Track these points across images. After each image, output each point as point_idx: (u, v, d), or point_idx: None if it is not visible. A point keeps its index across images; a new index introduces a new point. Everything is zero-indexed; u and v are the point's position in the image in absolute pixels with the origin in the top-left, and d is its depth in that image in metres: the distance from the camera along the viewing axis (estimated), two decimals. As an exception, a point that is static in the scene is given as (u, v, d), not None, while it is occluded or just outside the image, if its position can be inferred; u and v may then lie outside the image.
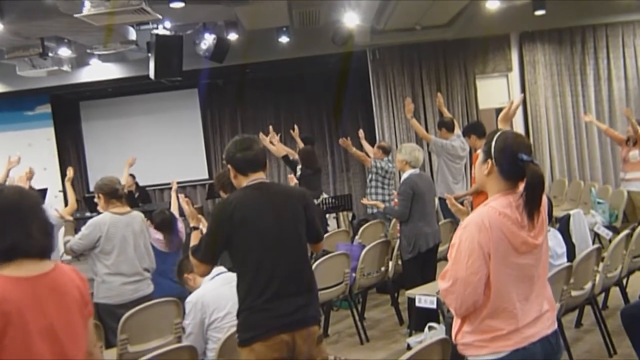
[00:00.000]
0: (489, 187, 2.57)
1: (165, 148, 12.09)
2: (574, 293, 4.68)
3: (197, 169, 12.23)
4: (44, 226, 2.26)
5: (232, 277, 3.61)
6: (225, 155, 3.26)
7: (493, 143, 2.53)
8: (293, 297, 3.06)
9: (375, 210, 7.74)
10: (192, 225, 3.34)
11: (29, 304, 2.15)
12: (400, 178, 6.08)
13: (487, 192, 2.58)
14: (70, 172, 6.54)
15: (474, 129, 6.78)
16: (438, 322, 5.09)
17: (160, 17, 6.61)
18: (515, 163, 2.47)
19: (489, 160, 2.53)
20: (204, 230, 3.36)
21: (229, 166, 3.23)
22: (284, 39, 9.18)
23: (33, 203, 2.28)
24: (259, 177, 3.19)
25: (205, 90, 12.05)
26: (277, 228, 3.10)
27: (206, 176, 12.26)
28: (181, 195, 3.75)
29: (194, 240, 3.24)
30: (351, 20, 8.17)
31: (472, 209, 3.68)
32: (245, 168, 3.18)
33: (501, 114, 2.99)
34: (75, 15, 6.02)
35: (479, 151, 2.64)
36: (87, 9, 5.72)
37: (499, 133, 2.57)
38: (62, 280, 2.27)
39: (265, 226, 3.07)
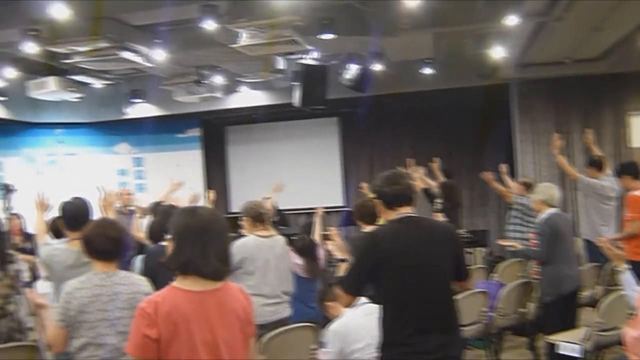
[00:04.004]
0: None
1: (304, 174, 12.39)
2: None
3: (333, 196, 12.39)
4: (223, 252, 2.45)
5: (374, 308, 3.62)
6: (373, 189, 3.30)
7: None
8: (436, 334, 3.03)
9: (513, 249, 7.48)
10: (339, 257, 3.39)
11: (197, 317, 2.32)
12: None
13: None
14: (212, 194, 6.91)
15: (628, 169, 6.42)
16: (581, 372, 4.82)
17: (310, 47, 6.84)
18: None
19: None
20: None
21: (377, 201, 3.26)
22: (427, 71, 9.17)
23: (220, 228, 2.46)
24: (406, 211, 3.20)
25: (345, 119, 12.29)
26: (423, 263, 3.08)
27: (341, 203, 12.41)
28: (332, 228, 3.82)
29: (342, 271, 3.29)
30: (497, 52, 8.04)
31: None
32: (392, 202, 3.20)
33: None
34: (232, 46, 6.37)
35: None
36: (244, 39, 6.03)
37: None
38: (228, 298, 2.43)
39: (411, 260, 3.06)
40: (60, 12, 5.81)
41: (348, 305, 3.27)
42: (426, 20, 6.90)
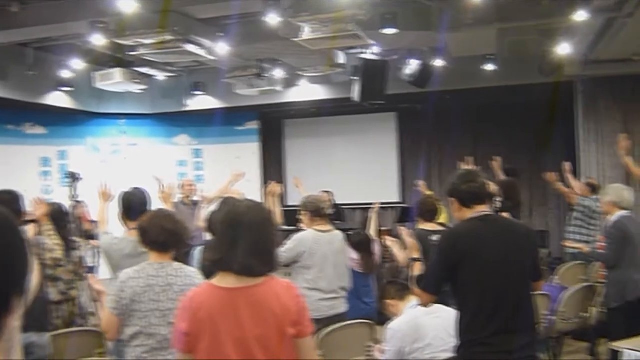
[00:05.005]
0: None
1: (360, 169, 12.38)
2: None
3: (390, 192, 12.32)
4: (257, 247, 2.33)
5: (435, 307, 3.58)
6: (449, 188, 3.25)
7: None
8: (516, 334, 2.98)
9: (576, 252, 7.28)
10: (413, 256, 3.35)
11: (225, 314, 2.27)
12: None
13: None
14: (278, 188, 6.89)
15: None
16: (646, 381, 4.65)
17: (371, 42, 6.79)
18: None
19: None
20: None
21: (452, 199, 3.22)
22: (489, 67, 9.00)
23: (253, 222, 2.35)
24: (484, 209, 3.15)
25: (404, 115, 12.20)
26: (502, 261, 3.03)
27: (398, 199, 12.33)
28: (403, 228, 3.78)
29: (416, 271, 3.25)
30: (563, 49, 7.82)
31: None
32: (469, 200, 3.16)
33: None
34: (294, 39, 6.38)
35: None
36: (306, 33, 6.03)
37: None
38: (265, 296, 2.33)
39: (490, 259, 3.02)
40: (127, 5, 5.95)
41: (427, 304, 3.22)
42: (490, 16, 6.76)
